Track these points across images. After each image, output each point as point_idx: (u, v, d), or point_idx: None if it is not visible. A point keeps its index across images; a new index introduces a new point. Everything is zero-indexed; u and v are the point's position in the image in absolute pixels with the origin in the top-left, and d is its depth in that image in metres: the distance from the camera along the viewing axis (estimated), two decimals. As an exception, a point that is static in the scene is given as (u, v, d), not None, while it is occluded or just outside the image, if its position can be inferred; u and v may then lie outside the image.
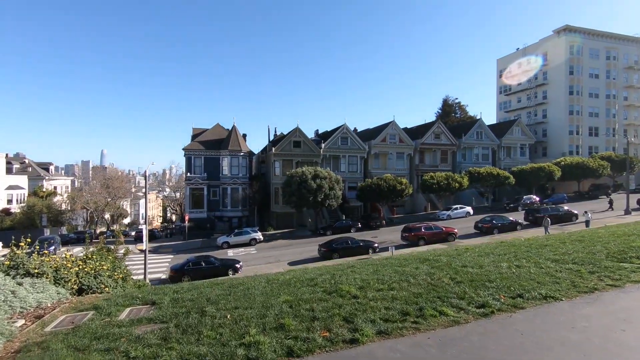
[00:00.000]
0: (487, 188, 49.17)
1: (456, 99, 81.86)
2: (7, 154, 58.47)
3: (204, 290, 6.13)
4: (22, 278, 6.56)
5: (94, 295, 7.09)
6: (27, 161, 65.73)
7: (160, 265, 30.39)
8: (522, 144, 58.04)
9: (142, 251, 25.91)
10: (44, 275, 6.88)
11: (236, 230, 39.07)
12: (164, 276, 26.47)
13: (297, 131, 48.30)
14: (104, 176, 68.64)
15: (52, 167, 71.63)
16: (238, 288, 6.06)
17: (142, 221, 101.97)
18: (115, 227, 71.31)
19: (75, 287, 7.54)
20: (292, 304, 4.91)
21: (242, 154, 46.94)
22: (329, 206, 41.61)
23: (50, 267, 7.22)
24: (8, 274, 6.51)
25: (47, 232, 47.11)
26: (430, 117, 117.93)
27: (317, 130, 65.70)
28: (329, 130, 61.03)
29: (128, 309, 5.42)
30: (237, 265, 25.96)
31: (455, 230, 30.86)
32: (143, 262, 23.77)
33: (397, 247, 28.86)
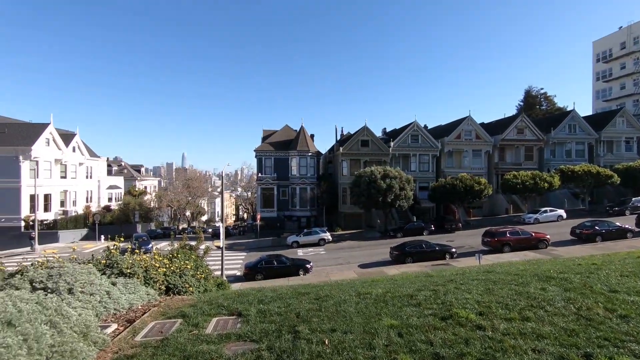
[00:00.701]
0: (583, 189, 43.06)
1: (541, 89, 73.68)
2: (107, 158, 66.54)
3: (290, 302, 5.57)
4: (116, 278, 6.65)
5: (180, 297, 6.97)
6: (123, 164, 74.11)
7: (235, 262, 31.58)
8: (628, 137, 49.81)
9: (219, 248, 27.03)
10: (135, 276, 6.94)
11: (305, 230, 39.29)
12: (238, 273, 27.36)
13: (364, 130, 47.21)
14: (185, 177, 74.61)
15: (142, 169, 79.85)
16: (328, 302, 5.38)
17: (218, 219, 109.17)
18: (194, 223, 77.20)
19: (162, 287, 7.56)
20: (401, 332, 4.04)
21: (310, 154, 47.24)
22: (399, 207, 39.85)
23: (141, 267, 7.31)
24: (104, 273, 6.63)
25: (138, 228, 52.38)
26: (510, 112, 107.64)
27: (385, 128, 63.80)
28: (397, 128, 58.87)
29: (215, 320, 5.02)
30: (308, 266, 25.84)
31: (548, 236, 27.29)
32: (220, 258, 24.78)
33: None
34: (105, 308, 5.46)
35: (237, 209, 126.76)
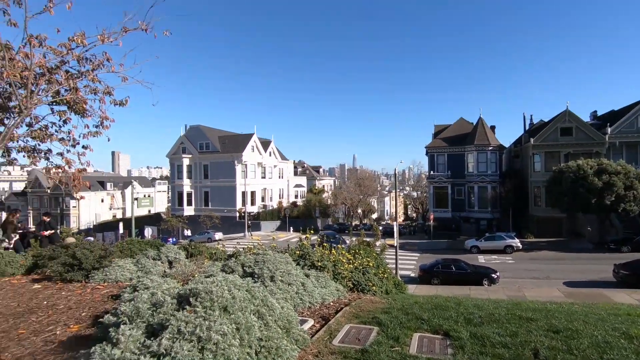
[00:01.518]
0: None
1: None
2: (294, 161, 77.07)
3: (515, 331, 4.14)
4: (309, 270, 6.71)
5: (369, 298, 6.49)
6: (305, 165, 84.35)
7: (408, 262, 30.71)
8: None
9: (392, 246, 26.69)
10: (326, 269, 6.88)
11: (487, 234, 34.71)
12: (412, 274, 26.40)
13: (566, 115, 38.15)
14: (357, 176, 78.73)
15: (321, 170, 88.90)
16: (579, 341, 3.72)
17: (387, 217, 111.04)
18: (365, 221, 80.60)
19: (350, 284, 7.31)
20: None
21: (490, 148, 41.59)
22: (623, 212, 30.30)
23: (330, 261, 7.26)
24: (298, 264, 6.79)
25: (318, 222, 58.30)
26: None
27: (595, 111, 49.96)
28: (616, 109, 45.16)
29: (417, 336, 4.15)
30: (494, 275, 22.55)
31: None
32: (393, 257, 24.38)
33: None
34: (301, 300, 5.41)
35: (405, 208, 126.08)
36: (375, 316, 4.94)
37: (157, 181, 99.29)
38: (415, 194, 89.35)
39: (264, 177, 55.97)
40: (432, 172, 45.36)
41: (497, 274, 22.76)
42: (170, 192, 65.38)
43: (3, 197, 78.36)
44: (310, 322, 4.76)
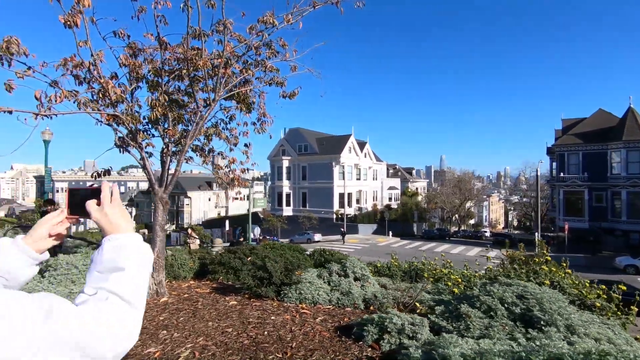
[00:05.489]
0: None
1: None
2: (386, 162, 74.36)
3: None
4: (579, 308, 4.68)
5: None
6: (397, 167, 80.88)
7: (543, 281, 26.03)
8: None
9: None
10: (606, 311, 4.79)
11: (649, 252, 27.93)
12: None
13: None
14: (456, 178, 72.66)
15: (414, 171, 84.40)
16: None
17: (486, 223, 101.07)
18: (463, 227, 73.83)
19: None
20: None
21: (646, 144, 33.73)
22: None
23: (593, 294, 5.12)
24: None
25: (414, 227, 54.87)
26: None
27: None
28: None
29: None
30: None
31: None
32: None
33: None
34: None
35: (506, 215, 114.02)
36: None
37: (255, 182, 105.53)
38: (522, 198, 79.59)
39: (359, 179, 54.60)
40: (562, 174, 38.54)
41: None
42: (269, 193, 68.30)
43: (133, 194, 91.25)
44: None
